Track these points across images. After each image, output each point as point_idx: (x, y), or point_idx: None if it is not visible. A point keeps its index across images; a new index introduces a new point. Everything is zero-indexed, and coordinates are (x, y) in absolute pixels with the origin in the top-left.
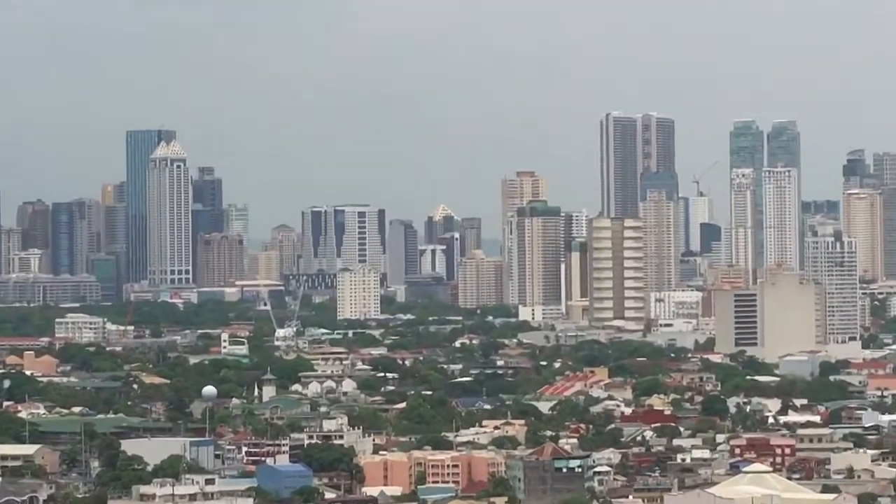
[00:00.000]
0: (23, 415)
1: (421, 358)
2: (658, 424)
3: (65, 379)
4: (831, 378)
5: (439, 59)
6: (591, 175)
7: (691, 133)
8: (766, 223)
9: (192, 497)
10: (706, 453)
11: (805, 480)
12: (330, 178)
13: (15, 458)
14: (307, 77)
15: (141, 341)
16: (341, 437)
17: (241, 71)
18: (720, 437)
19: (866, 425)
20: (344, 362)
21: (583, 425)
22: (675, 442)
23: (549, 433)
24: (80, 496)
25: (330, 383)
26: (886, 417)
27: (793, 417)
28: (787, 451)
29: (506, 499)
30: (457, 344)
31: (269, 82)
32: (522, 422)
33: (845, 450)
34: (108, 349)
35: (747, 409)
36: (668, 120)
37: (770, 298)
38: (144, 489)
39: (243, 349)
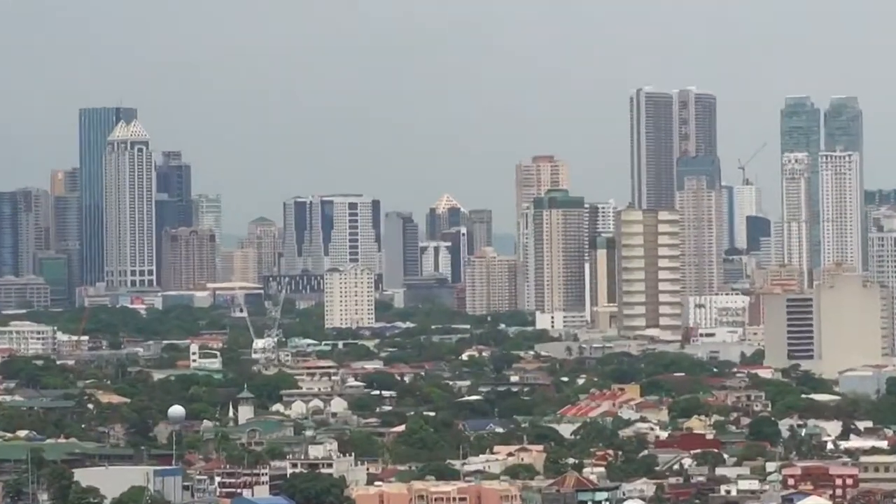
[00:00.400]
0: None
1: (422, 373)
2: (698, 451)
3: (8, 398)
4: None
5: (441, 32)
6: (619, 160)
7: (736, 111)
8: (822, 216)
9: None
10: (754, 484)
11: None
12: (316, 164)
13: None
14: (289, 51)
15: (97, 354)
16: (330, 465)
17: (213, 42)
18: (771, 466)
19: None
20: (333, 378)
21: (611, 452)
22: (719, 471)
23: (571, 461)
24: None
25: (317, 403)
26: None
27: (855, 443)
28: (849, 481)
29: None
30: (464, 356)
31: (246, 55)
32: (541, 447)
33: None
34: (58, 363)
35: (802, 433)
36: (709, 96)
37: (828, 304)
38: None
39: (216, 363)
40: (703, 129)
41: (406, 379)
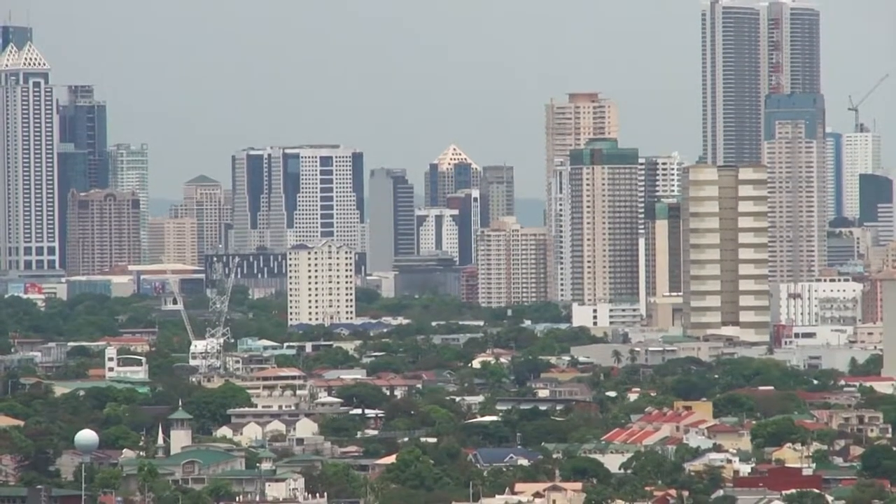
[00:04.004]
0: None
1: (419, 385)
2: (792, 491)
3: None
4: None
5: None
6: (686, 99)
7: (845, 32)
8: None
9: None
10: None
11: None
12: (276, 106)
13: None
14: None
15: None
16: None
17: None
18: None
19: None
20: (299, 393)
21: (673, 492)
22: None
23: (620, 503)
24: None
25: (277, 425)
26: None
27: None
28: None
29: None
30: (476, 363)
31: None
32: (579, 486)
33: None
34: None
35: None
36: (809, 11)
37: None
38: None
39: (140, 372)
40: (802, 57)
41: (397, 393)
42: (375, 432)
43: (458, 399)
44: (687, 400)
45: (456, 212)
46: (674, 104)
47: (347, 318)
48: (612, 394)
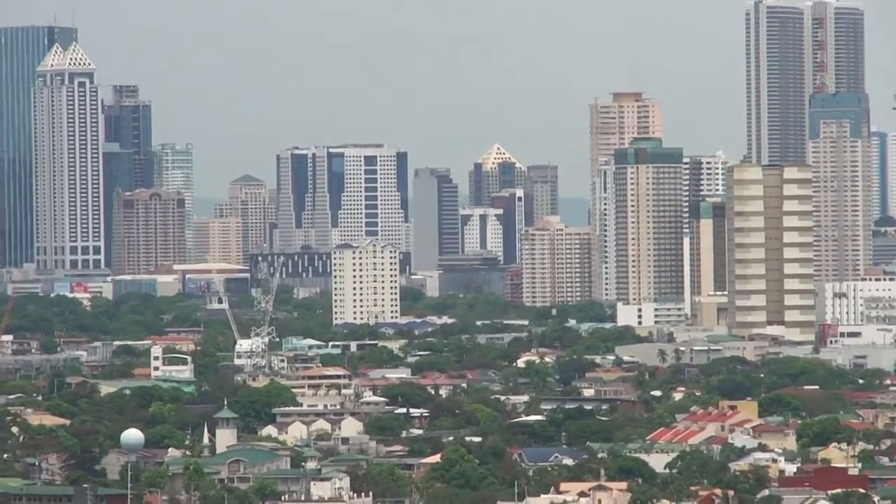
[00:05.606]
0: None
1: (464, 385)
2: (839, 491)
3: None
4: None
5: None
6: (730, 99)
7: (892, 31)
8: None
9: None
10: None
11: None
12: (321, 106)
13: None
14: None
15: (24, 359)
16: None
17: None
18: None
19: None
20: (344, 392)
21: (718, 491)
22: None
23: (666, 503)
24: None
25: (322, 424)
26: None
27: None
28: None
29: None
30: (520, 363)
31: None
32: (624, 485)
33: None
34: None
35: None
36: (853, 10)
37: None
38: None
39: (185, 371)
40: (846, 56)
41: (442, 392)
42: (420, 432)
43: (502, 398)
44: (732, 399)
45: (500, 211)
46: (718, 103)
47: (392, 318)
48: (657, 393)
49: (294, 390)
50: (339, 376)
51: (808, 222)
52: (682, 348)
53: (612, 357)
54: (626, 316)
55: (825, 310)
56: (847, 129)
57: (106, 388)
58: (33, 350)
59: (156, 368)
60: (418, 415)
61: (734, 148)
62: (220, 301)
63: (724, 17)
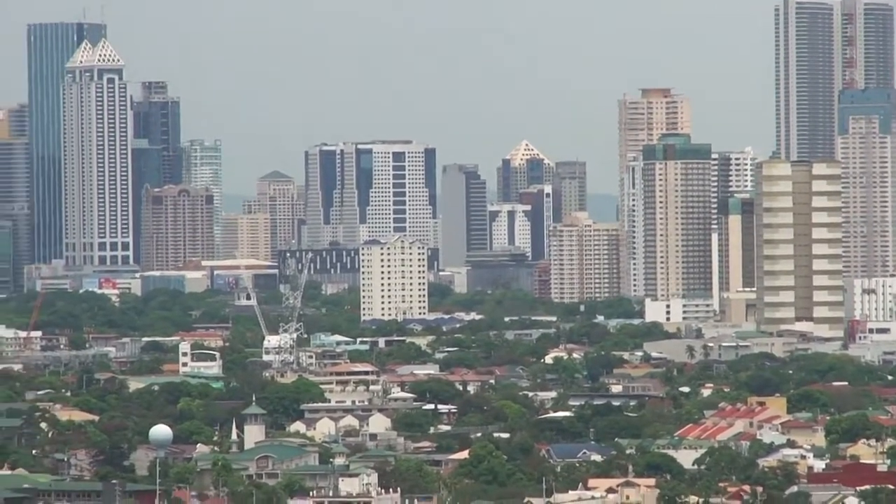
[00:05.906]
0: None
1: (492, 381)
2: (867, 487)
3: None
4: None
5: None
6: (759, 95)
7: None
8: None
9: None
10: None
11: None
12: (350, 103)
13: None
14: None
15: (53, 355)
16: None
17: None
18: None
19: None
20: (372, 388)
21: (747, 488)
22: None
23: (693, 500)
24: None
25: (350, 421)
26: None
27: None
28: None
29: None
30: (548, 359)
31: None
32: (652, 481)
33: None
34: (1, 367)
35: None
36: (883, 6)
37: None
38: None
39: (213, 367)
40: (876, 52)
41: (470, 389)
42: (448, 428)
43: (530, 394)
44: (760, 395)
45: (528, 207)
46: (747, 99)
47: (420, 314)
48: (686, 389)
49: (322, 386)
50: (367, 372)
51: (837, 218)
52: (711, 344)
53: (640, 353)
54: (654, 312)
55: (854, 306)
56: (876, 124)
57: (134, 384)
58: (62, 346)
59: (184, 364)
60: (446, 411)
61: (763, 144)
62: (248, 297)
63: (753, 13)
